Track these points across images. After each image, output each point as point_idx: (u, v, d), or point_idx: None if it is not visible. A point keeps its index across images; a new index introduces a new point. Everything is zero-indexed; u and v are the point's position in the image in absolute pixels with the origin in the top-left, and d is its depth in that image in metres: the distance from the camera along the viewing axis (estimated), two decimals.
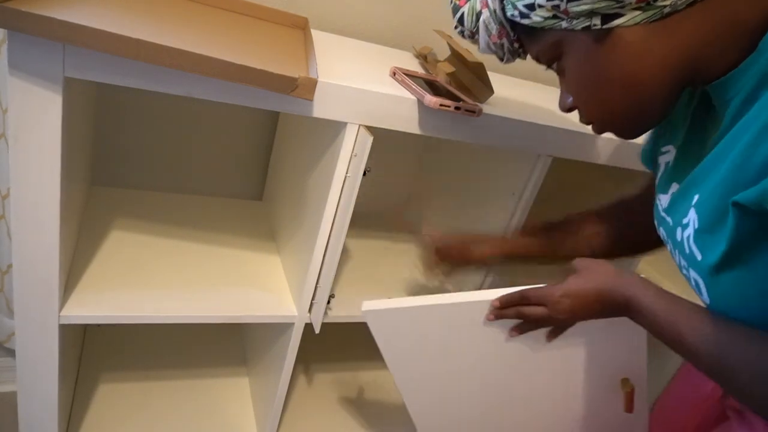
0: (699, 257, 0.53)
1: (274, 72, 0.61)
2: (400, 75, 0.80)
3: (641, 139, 0.67)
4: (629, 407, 0.80)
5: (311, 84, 0.63)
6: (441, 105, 0.72)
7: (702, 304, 0.56)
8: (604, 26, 0.51)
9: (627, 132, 0.59)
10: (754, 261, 0.48)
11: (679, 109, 0.64)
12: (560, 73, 0.59)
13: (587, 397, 0.81)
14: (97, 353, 1.11)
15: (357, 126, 0.74)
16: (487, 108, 0.81)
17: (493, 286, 0.82)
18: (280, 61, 0.70)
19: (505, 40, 0.60)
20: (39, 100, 0.58)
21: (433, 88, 0.79)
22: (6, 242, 0.97)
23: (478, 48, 0.64)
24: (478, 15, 0.61)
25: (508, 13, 0.56)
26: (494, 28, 0.59)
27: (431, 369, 0.79)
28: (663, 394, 0.86)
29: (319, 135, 0.83)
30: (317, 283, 0.86)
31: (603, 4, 0.49)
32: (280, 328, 0.94)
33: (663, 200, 0.63)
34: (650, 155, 0.71)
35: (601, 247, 0.80)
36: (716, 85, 0.53)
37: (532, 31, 0.57)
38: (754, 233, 0.47)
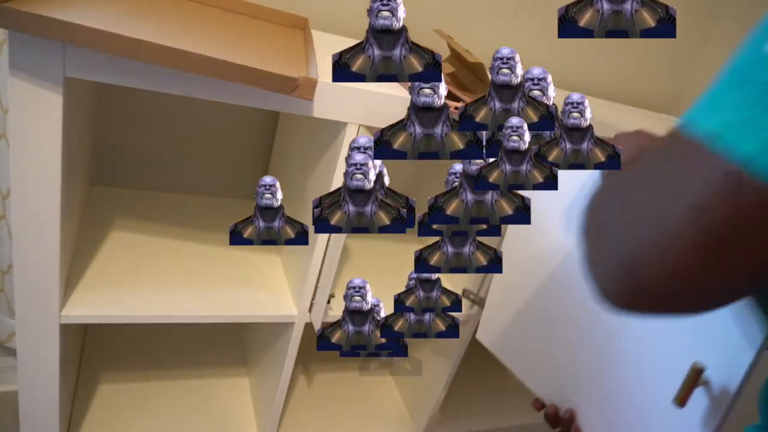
0: None
1: (274, 72, 0.61)
2: None
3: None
4: (682, 398, 0.58)
5: (311, 84, 0.63)
6: None
7: None
8: None
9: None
10: None
11: None
12: None
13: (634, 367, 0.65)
14: (98, 353, 1.11)
15: (357, 126, 0.74)
16: None
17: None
18: (280, 61, 0.70)
19: None
20: (39, 100, 0.59)
21: None
22: (6, 242, 0.97)
23: None
24: None
25: None
26: None
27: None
28: None
29: (319, 135, 0.83)
30: (317, 283, 0.86)
31: None
32: (280, 328, 0.94)
33: None
34: None
35: None
36: None
37: None
38: None
